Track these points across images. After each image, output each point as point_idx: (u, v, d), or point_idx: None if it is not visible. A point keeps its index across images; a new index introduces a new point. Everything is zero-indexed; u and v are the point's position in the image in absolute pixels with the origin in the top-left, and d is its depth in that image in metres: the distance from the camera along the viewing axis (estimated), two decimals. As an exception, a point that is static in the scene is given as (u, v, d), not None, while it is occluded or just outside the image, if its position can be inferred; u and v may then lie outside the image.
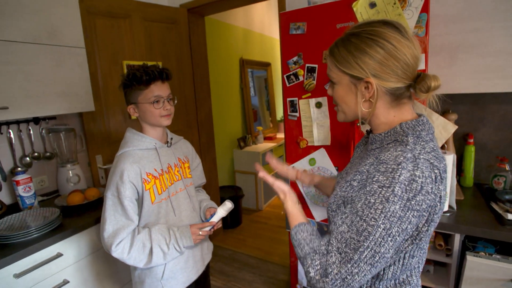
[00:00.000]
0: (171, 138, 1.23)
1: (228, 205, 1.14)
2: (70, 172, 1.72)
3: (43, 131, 1.71)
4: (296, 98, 1.52)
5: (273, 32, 4.40)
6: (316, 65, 1.44)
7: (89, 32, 1.77)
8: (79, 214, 1.43)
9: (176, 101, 1.17)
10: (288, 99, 1.54)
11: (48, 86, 1.41)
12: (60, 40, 1.44)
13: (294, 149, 1.58)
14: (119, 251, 1.01)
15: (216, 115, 3.15)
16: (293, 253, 1.76)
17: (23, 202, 1.46)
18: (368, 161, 0.67)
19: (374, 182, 0.62)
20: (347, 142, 1.43)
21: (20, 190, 1.45)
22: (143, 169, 1.06)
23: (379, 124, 0.71)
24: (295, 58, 1.49)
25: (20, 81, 1.31)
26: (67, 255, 1.28)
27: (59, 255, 1.25)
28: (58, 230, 1.27)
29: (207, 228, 1.14)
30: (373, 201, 0.60)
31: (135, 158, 1.07)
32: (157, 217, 1.10)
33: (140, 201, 1.08)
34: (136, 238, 1.03)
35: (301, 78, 1.49)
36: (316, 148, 1.52)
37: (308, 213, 1.58)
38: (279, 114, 4.62)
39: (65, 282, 1.28)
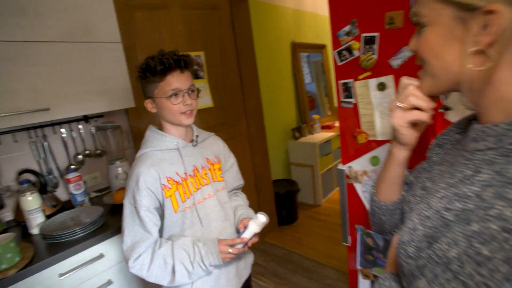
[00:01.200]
0: (197, 136, 1.07)
1: (260, 219, 0.95)
2: (119, 169, 1.74)
3: (93, 129, 1.75)
4: (351, 80, 1.23)
5: (327, 10, 4.01)
6: (376, 34, 1.14)
7: (128, 26, 1.75)
8: (123, 213, 1.40)
9: (199, 94, 1.01)
10: (341, 81, 1.26)
11: (86, 84, 1.40)
12: (95, 36, 1.42)
13: (351, 144, 1.30)
14: (138, 267, 0.91)
15: (266, 104, 2.98)
16: (351, 259, 1.50)
17: (75, 200, 1.51)
18: (479, 177, 0.39)
19: (493, 220, 0.34)
20: (424, 135, 1.11)
21: (71, 188, 1.49)
22: (162, 173, 0.94)
23: (497, 103, 0.40)
24: (347, 28, 1.21)
25: (58, 81, 1.32)
26: (109, 256, 1.26)
27: (101, 255, 1.23)
28: (101, 230, 1.26)
29: (239, 246, 0.97)
30: (490, 255, 0.33)
31: (154, 161, 0.94)
32: (182, 228, 0.97)
33: (161, 210, 0.96)
34: (156, 253, 0.91)
35: (356, 53, 1.20)
36: (380, 143, 1.22)
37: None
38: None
39: (109, 282, 1.27)
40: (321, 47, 3.89)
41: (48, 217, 1.39)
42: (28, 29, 1.23)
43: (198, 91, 1.01)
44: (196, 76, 2.08)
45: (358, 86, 1.22)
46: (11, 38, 1.19)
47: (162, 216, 0.97)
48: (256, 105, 2.51)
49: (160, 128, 1.03)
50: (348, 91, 1.25)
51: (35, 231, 1.30)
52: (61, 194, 1.65)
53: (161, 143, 0.98)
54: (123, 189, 1.56)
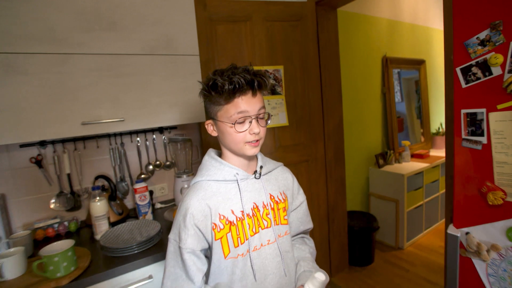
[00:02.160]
0: (261, 167, 0.90)
1: (319, 278, 0.75)
2: (185, 183, 1.70)
3: (165, 140, 1.77)
4: (483, 110, 0.90)
5: (430, 20, 3.51)
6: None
7: (210, 39, 1.73)
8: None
9: (270, 120, 0.85)
10: (465, 110, 0.94)
11: (161, 96, 1.40)
12: (175, 49, 1.42)
13: (474, 201, 0.96)
14: None
15: (349, 125, 2.70)
16: None
17: (139, 210, 1.51)
18: None
19: None
20: None
21: (137, 198, 1.50)
22: (215, 209, 0.80)
23: None
24: (483, 34, 0.88)
25: (136, 93, 1.34)
26: (158, 279, 1.19)
27: (150, 277, 1.16)
28: (155, 249, 1.20)
29: None
30: None
31: (207, 193, 0.82)
32: (231, 278, 0.81)
33: (210, 252, 0.82)
34: None
35: (496, 71, 0.87)
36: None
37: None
38: (434, 124, 3.64)
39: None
40: (418, 63, 3.40)
41: (112, 224, 1.42)
42: (115, 42, 1.28)
43: (269, 116, 0.85)
44: (273, 92, 1.95)
45: (495, 120, 0.88)
46: (100, 51, 1.25)
47: (209, 260, 0.83)
48: (337, 126, 2.25)
49: (220, 153, 0.91)
50: (475, 125, 0.92)
51: (98, 237, 1.32)
52: (129, 201, 1.69)
53: (219, 173, 0.85)
54: (185, 205, 1.51)
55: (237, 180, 0.85)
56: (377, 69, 2.99)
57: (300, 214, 0.98)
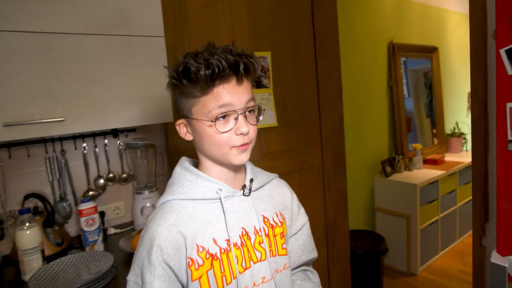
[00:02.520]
0: (251, 180, 0.84)
1: None
2: (147, 201, 1.61)
3: (121, 146, 1.68)
4: None
5: (443, 0, 3.58)
6: None
7: (178, 16, 1.65)
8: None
9: (262, 115, 0.79)
10: (510, 104, 0.90)
11: (113, 89, 1.32)
12: (132, 28, 1.34)
13: None
14: None
15: (349, 126, 2.68)
16: None
17: (86, 239, 1.40)
18: None
19: None
20: None
21: (83, 222, 1.39)
22: (191, 238, 0.73)
23: None
24: None
25: (79, 84, 1.25)
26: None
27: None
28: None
29: None
30: None
31: (180, 217, 0.74)
32: None
33: None
34: None
35: None
36: None
37: None
38: (449, 124, 3.69)
39: None
40: (430, 51, 3.46)
41: (48, 259, 1.31)
42: (51, 17, 1.18)
43: (260, 111, 0.79)
44: (257, 84, 1.89)
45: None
46: (30, 28, 1.14)
47: None
48: (337, 127, 2.23)
49: (197, 163, 0.84)
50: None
51: (27, 277, 1.20)
52: (72, 227, 1.59)
53: (195, 189, 0.78)
54: (146, 231, 1.41)
55: (220, 199, 0.78)
56: (383, 58, 3.02)
57: (302, 241, 0.93)
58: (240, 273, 0.76)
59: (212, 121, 0.72)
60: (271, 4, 1.91)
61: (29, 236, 1.20)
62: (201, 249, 0.73)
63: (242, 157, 0.76)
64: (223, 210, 0.78)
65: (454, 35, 3.77)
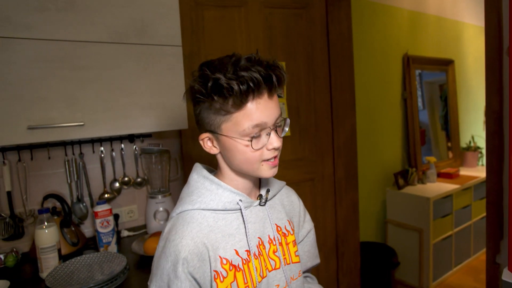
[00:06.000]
0: (268, 190, 0.84)
1: None
2: (160, 206, 1.64)
3: (136, 151, 1.71)
4: None
5: (459, 12, 3.56)
6: None
7: (196, 27, 1.70)
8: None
9: (288, 126, 0.78)
10: None
11: (131, 96, 1.35)
12: (151, 37, 1.38)
13: None
14: None
15: (362, 137, 2.67)
16: None
17: (100, 240, 1.43)
18: None
19: None
20: None
21: (98, 224, 1.43)
22: (214, 250, 0.72)
23: None
24: None
25: (99, 91, 1.29)
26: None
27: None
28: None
29: None
30: None
31: (203, 228, 0.72)
32: None
33: None
34: None
35: None
36: None
37: None
38: (465, 137, 3.63)
39: None
40: (446, 63, 3.43)
41: (65, 257, 1.35)
42: (74, 27, 1.23)
43: (286, 122, 0.77)
44: (271, 94, 1.92)
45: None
46: (54, 36, 1.19)
47: None
48: (350, 137, 2.22)
49: (212, 170, 0.84)
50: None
51: (44, 275, 1.24)
52: (88, 228, 1.62)
53: (216, 199, 0.76)
54: (159, 235, 1.43)
55: (240, 209, 0.77)
56: (397, 70, 3.00)
57: (307, 247, 0.93)
58: (258, 282, 0.76)
59: (249, 140, 0.70)
60: (287, 15, 1.94)
61: (47, 235, 1.24)
62: (224, 261, 0.72)
63: (274, 171, 0.76)
64: (243, 220, 0.77)
65: (471, 48, 3.72)
